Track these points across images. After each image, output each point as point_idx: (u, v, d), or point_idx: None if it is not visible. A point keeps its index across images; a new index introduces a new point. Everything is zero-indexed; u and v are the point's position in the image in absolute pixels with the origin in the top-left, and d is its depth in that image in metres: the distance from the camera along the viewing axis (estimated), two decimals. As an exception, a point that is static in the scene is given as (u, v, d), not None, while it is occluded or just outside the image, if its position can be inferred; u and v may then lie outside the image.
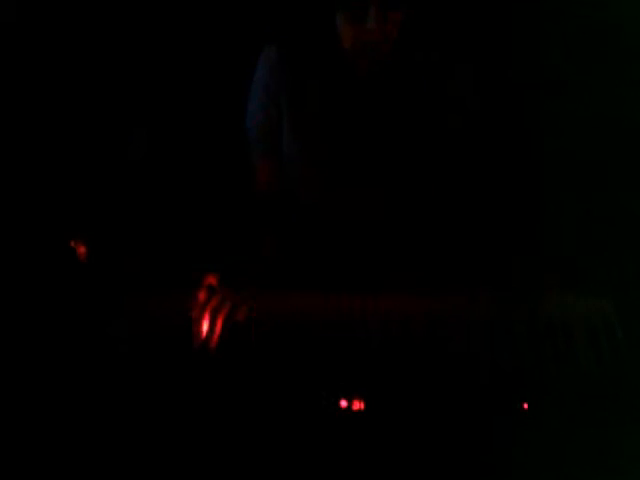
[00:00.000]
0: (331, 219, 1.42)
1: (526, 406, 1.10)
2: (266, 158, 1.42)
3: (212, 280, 1.22)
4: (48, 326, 1.18)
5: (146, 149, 1.76)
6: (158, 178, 1.72)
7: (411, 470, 1.06)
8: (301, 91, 1.34)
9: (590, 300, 1.26)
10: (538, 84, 1.75)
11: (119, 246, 1.41)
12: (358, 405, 1.11)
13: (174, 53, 1.82)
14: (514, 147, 1.57)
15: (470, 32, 1.44)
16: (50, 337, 1.16)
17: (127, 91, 1.84)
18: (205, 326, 1.17)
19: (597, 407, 1.11)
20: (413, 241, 1.45)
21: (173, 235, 1.56)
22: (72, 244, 1.24)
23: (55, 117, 1.81)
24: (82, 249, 1.24)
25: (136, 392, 1.12)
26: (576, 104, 1.77)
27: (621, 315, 1.23)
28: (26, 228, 1.45)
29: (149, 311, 1.21)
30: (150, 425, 1.09)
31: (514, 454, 1.06)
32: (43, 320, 1.18)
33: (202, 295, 1.20)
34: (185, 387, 1.12)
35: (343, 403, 1.11)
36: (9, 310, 1.20)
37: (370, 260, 1.44)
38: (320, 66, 1.33)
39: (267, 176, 1.43)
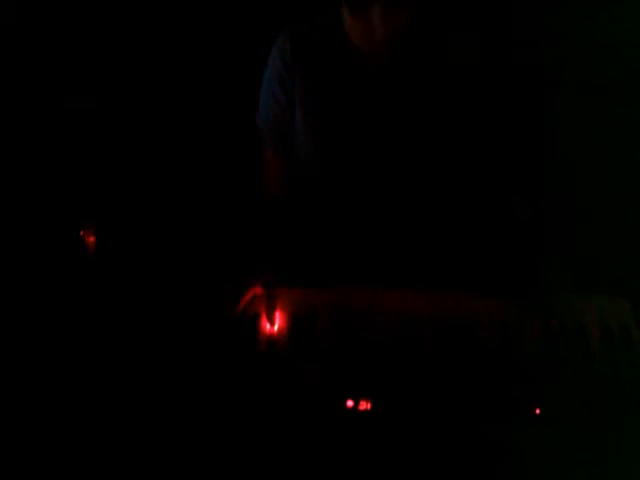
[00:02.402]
0: (344, 209, 1.40)
1: (538, 411, 1.09)
2: (275, 147, 1.41)
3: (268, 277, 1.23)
4: (55, 316, 1.16)
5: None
6: (166, 171, 1.72)
7: (423, 471, 1.04)
8: (313, 81, 1.32)
9: (605, 300, 1.24)
10: (550, 80, 1.75)
11: (129, 238, 1.40)
12: (371, 405, 1.10)
13: (184, 47, 1.82)
14: (527, 145, 1.56)
15: (481, 25, 1.40)
16: (57, 326, 1.15)
17: (132, 84, 1.83)
18: (265, 323, 1.19)
19: (611, 408, 1.09)
20: (427, 236, 1.43)
21: (182, 229, 1.55)
22: (81, 234, 1.23)
23: (60, 111, 1.79)
24: (91, 239, 1.22)
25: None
26: (587, 103, 1.77)
27: (637, 314, 1.22)
28: (34, 219, 1.44)
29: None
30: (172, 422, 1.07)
31: (527, 457, 1.05)
32: (50, 310, 1.17)
33: (258, 291, 1.22)
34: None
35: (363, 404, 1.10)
36: (17, 298, 1.18)
37: (383, 254, 1.42)
38: (331, 57, 1.32)
39: (276, 165, 1.42)
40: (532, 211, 1.43)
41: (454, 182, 1.39)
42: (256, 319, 1.21)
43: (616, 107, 1.78)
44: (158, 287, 1.21)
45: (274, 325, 1.20)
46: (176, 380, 1.11)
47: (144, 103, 1.82)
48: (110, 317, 1.16)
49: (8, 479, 1.02)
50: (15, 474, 1.02)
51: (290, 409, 1.09)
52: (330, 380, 1.12)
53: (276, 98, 1.36)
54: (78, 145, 1.73)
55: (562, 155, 1.77)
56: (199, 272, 1.22)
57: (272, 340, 1.19)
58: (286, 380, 1.13)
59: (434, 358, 1.15)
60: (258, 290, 1.23)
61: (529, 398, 1.09)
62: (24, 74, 1.94)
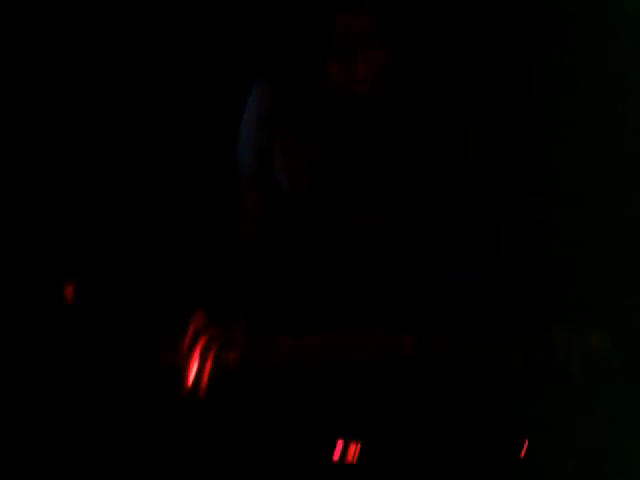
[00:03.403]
0: (326, 249, 1.41)
1: (525, 449, 1.10)
2: (256, 188, 1.42)
3: (200, 319, 1.20)
4: (34, 364, 1.17)
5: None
6: (143, 216, 1.72)
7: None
8: (293, 122, 1.35)
9: (587, 332, 1.24)
10: (535, 114, 1.74)
11: (108, 287, 1.40)
12: (354, 449, 1.10)
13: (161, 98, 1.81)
14: (510, 184, 1.57)
15: (461, 64, 1.42)
16: (36, 375, 1.16)
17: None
18: (194, 367, 1.15)
19: (594, 438, 1.11)
20: (411, 272, 1.43)
21: (160, 274, 1.55)
22: (60, 283, 1.23)
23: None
24: (70, 289, 1.23)
25: (122, 433, 1.11)
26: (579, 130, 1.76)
27: (617, 348, 1.22)
28: (15, 266, 1.44)
29: (137, 352, 1.20)
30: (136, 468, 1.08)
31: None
32: (29, 359, 1.18)
33: (191, 335, 1.18)
34: (174, 430, 1.10)
35: (339, 447, 1.10)
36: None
37: (367, 294, 1.42)
38: (312, 100, 1.34)
39: (256, 206, 1.43)
40: (514, 246, 1.44)
41: (439, 221, 1.40)
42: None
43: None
44: (138, 335, 1.22)
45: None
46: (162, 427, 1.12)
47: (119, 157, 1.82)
48: (90, 366, 1.16)
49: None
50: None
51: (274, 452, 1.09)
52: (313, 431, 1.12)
53: (257, 140, 1.37)
54: (57, 194, 1.73)
55: (548, 189, 1.76)
56: (179, 322, 1.23)
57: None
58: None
59: (420, 391, 1.16)
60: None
61: (515, 429, 1.11)
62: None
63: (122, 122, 1.81)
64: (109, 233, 1.69)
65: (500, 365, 1.19)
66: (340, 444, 1.10)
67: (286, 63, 1.38)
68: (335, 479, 1.09)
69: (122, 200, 1.75)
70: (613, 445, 1.10)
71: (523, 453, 1.10)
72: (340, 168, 1.34)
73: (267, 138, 1.36)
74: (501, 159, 1.48)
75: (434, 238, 1.41)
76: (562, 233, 1.72)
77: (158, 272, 1.58)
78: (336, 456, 1.10)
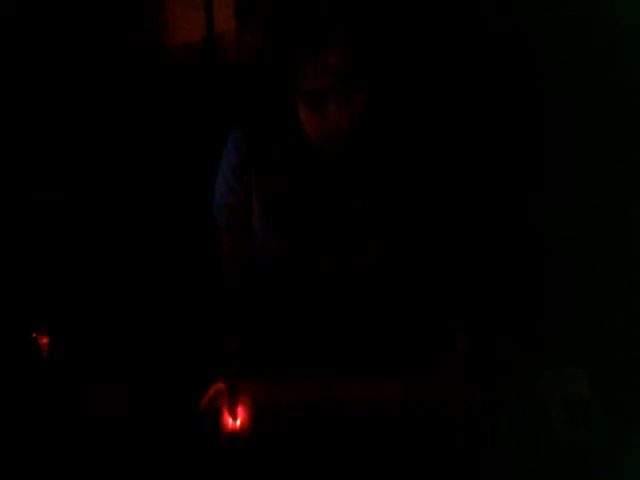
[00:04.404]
0: (303, 295, 1.42)
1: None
2: (234, 237, 1.43)
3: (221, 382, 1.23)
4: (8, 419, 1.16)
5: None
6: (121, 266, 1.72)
7: None
8: (268, 171, 1.36)
9: (562, 371, 1.29)
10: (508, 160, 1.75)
11: (81, 338, 1.40)
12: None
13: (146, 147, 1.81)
14: (485, 224, 1.57)
15: (433, 106, 1.43)
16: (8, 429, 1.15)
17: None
18: (227, 419, 1.19)
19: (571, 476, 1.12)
20: (388, 318, 1.45)
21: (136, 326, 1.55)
22: (34, 335, 1.22)
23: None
24: (44, 340, 1.22)
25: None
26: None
27: (593, 383, 1.25)
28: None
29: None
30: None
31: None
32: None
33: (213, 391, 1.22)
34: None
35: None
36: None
37: (345, 340, 1.44)
38: (285, 147, 1.35)
39: (235, 254, 1.44)
40: (492, 289, 1.45)
41: (414, 266, 1.41)
42: (218, 415, 1.21)
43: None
44: (115, 388, 1.21)
45: (237, 420, 1.20)
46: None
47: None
48: (65, 417, 1.16)
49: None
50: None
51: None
52: (296, 474, 1.12)
53: (233, 190, 1.38)
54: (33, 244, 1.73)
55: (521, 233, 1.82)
56: (157, 368, 1.22)
57: (235, 435, 1.19)
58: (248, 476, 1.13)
59: (405, 445, 1.16)
60: (220, 385, 1.24)
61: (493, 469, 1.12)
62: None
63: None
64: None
65: (483, 406, 1.21)
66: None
67: (260, 112, 1.38)
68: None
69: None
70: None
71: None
72: (316, 213, 1.36)
73: (243, 186, 1.37)
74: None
75: (411, 282, 1.43)
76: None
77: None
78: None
